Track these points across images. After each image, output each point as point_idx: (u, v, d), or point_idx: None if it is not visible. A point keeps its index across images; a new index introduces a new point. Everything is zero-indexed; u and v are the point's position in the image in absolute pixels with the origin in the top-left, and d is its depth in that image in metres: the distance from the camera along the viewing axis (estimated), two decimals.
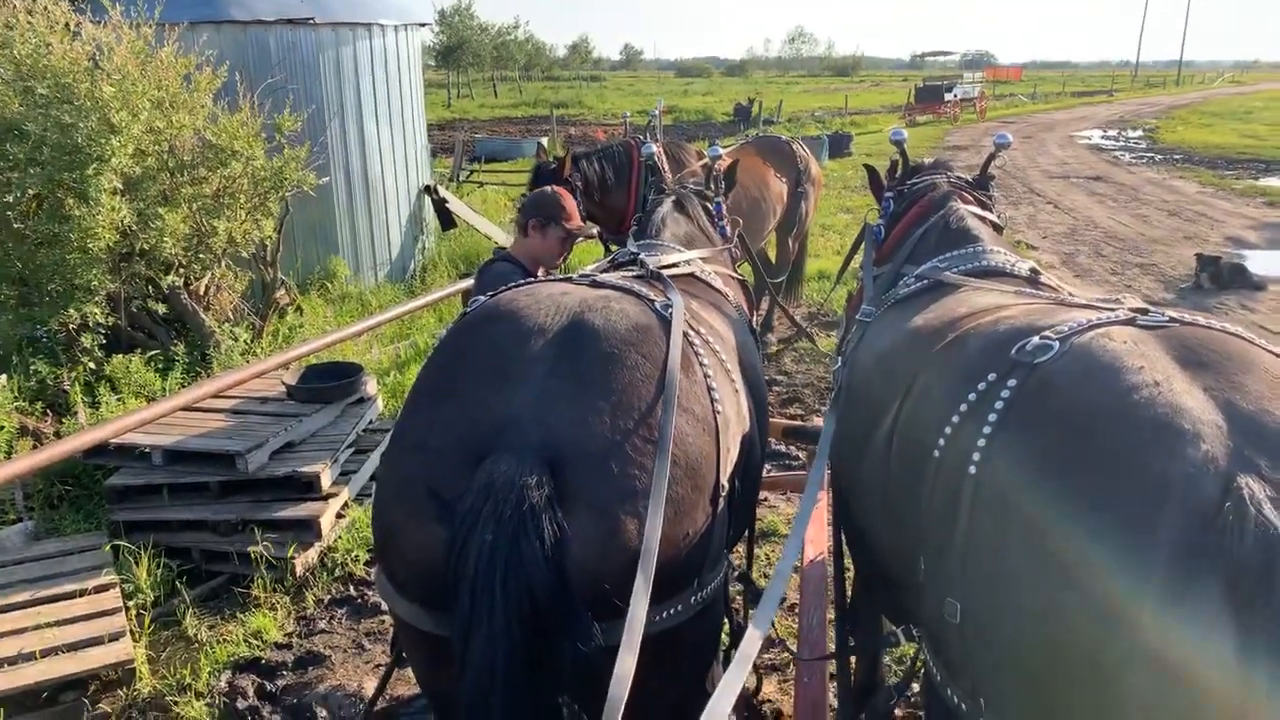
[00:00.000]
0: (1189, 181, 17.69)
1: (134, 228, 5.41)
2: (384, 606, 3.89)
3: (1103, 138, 28.42)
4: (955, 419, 1.69)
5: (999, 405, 1.61)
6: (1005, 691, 1.53)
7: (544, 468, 1.59)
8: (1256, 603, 1.24)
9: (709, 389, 1.94)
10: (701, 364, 1.98)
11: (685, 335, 1.98)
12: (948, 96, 36.13)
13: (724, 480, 1.87)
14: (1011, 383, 1.62)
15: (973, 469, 1.58)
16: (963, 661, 1.61)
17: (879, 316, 2.61)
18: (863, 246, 3.36)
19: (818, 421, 4.50)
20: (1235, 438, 1.36)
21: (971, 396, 1.68)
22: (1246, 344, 1.58)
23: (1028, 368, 1.62)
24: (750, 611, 3.27)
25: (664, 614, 1.73)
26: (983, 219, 2.90)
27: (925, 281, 2.53)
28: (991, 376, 1.67)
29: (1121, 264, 10.58)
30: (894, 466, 1.94)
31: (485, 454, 1.63)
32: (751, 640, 1.60)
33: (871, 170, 3.62)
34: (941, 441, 1.71)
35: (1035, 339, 1.65)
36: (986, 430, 1.60)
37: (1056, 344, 1.62)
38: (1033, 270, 2.47)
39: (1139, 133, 29.81)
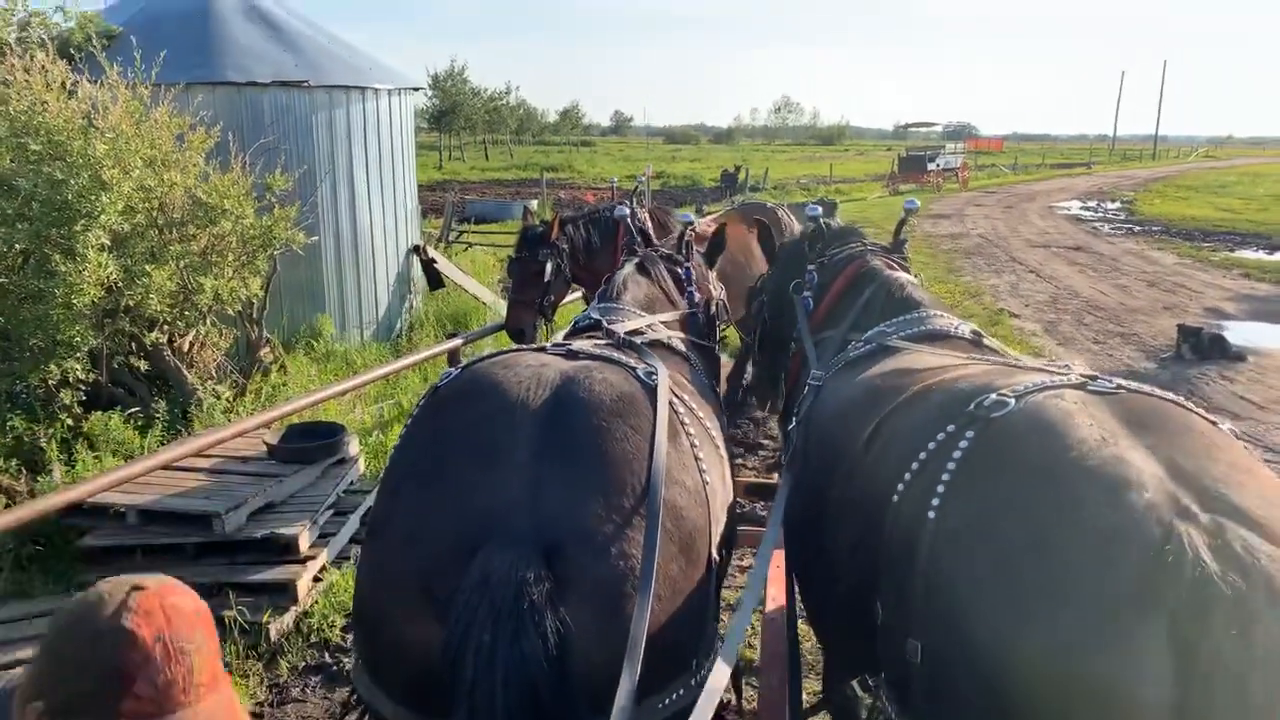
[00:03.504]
0: (1167, 253, 18.02)
1: (120, 284, 5.40)
2: None
3: (1082, 209, 29.00)
4: (915, 466, 1.79)
5: (957, 454, 1.72)
6: None
7: (541, 560, 1.52)
8: (1194, 641, 1.32)
9: (696, 459, 1.90)
10: (688, 433, 1.94)
11: (670, 404, 1.94)
12: (930, 166, 36.85)
13: (715, 553, 1.82)
14: (970, 434, 1.74)
15: (932, 513, 1.67)
16: (925, 701, 1.65)
17: (831, 378, 2.69)
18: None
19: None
20: (1175, 489, 1.48)
21: (931, 445, 1.79)
22: (1185, 410, 1.75)
23: (985, 421, 1.74)
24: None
25: (665, 701, 1.67)
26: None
27: (874, 345, 2.64)
28: (950, 428, 1.78)
29: (1103, 333, 10.70)
30: (852, 513, 2.02)
31: (478, 545, 1.55)
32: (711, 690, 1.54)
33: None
34: (900, 487, 1.80)
35: (993, 395, 1.78)
36: (945, 477, 1.70)
37: (1013, 401, 1.75)
38: (974, 332, 2.63)
39: (1117, 204, 30.43)
